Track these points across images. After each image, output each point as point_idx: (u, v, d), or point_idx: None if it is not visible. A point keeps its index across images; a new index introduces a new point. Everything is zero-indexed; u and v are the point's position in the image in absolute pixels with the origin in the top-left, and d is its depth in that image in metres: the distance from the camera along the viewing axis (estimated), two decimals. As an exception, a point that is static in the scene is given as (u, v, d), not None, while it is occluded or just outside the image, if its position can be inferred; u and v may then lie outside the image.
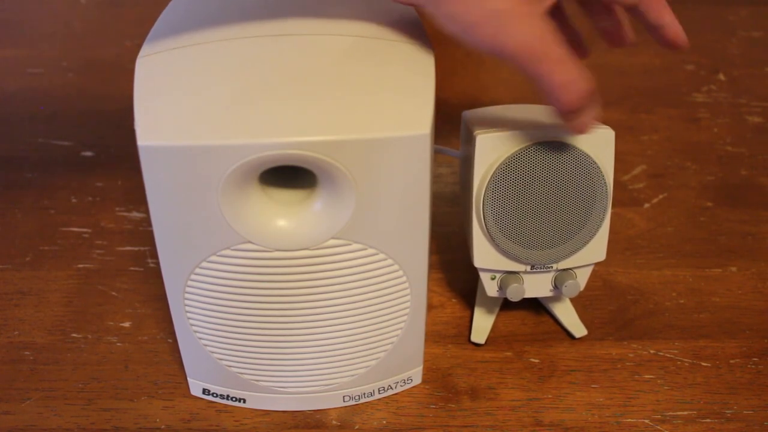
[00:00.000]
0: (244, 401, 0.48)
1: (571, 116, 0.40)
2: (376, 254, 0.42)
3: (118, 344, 0.52)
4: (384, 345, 0.46)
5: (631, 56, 0.84)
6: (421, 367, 0.49)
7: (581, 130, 0.42)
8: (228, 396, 0.48)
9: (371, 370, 0.47)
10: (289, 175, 0.41)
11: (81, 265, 0.58)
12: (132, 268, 0.58)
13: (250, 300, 0.43)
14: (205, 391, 0.48)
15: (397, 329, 0.46)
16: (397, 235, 0.42)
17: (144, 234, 0.61)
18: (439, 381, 0.50)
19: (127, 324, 0.54)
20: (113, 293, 0.56)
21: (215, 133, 0.37)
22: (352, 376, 0.47)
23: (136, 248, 0.60)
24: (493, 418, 0.48)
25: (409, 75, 0.40)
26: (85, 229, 0.61)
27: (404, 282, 0.44)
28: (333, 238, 0.41)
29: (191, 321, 0.44)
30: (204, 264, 0.41)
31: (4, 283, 0.57)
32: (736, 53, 0.85)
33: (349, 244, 0.41)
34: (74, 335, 0.53)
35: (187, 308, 0.44)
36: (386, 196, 0.40)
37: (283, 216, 0.41)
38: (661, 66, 0.83)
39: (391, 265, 0.43)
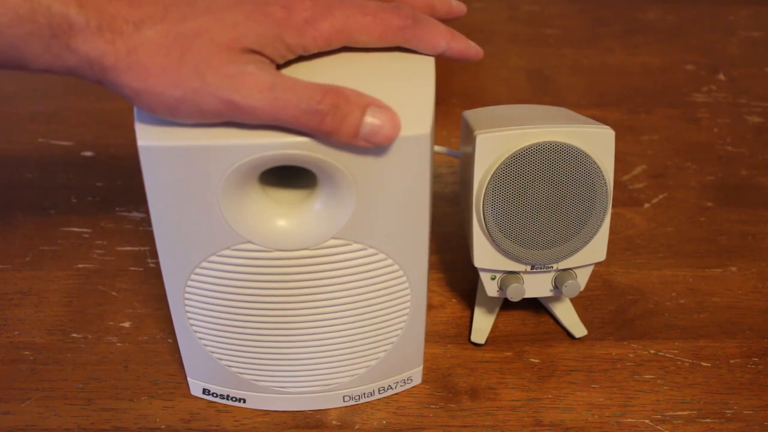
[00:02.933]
0: (244, 401, 0.48)
1: (324, 129, 0.37)
2: (376, 254, 0.42)
3: (118, 344, 0.52)
4: (384, 345, 0.46)
5: (631, 56, 0.84)
6: (421, 367, 0.49)
7: (352, 137, 0.37)
8: (228, 396, 0.48)
9: (371, 370, 0.47)
10: (289, 175, 0.41)
11: (81, 265, 0.58)
12: (132, 268, 0.58)
13: (250, 300, 0.43)
14: (205, 391, 0.48)
15: (397, 329, 0.46)
16: (397, 235, 0.42)
17: (144, 234, 0.61)
18: (439, 381, 0.50)
19: (127, 324, 0.54)
20: (113, 293, 0.56)
21: (215, 133, 0.37)
22: (352, 376, 0.47)
23: (136, 248, 0.60)
24: (493, 418, 0.48)
25: (409, 75, 0.40)
26: (85, 229, 0.61)
27: (404, 282, 0.44)
28: (333, 238, 0.41)
29: (191, 321, 0.44)
30: (204, 264, 0.41)
31: (4, 283, 0.57)
32: (736, 53, 0.85)
33: (349, 244, 0.41)
34: (74, 335, 0.53)
35: (187, 308, 0.44)
36: (386, 196, 0.40)
37: (283, 216, 0.41)
38: (661, 66, 0.83)
39: (391, 265, 0.43)
